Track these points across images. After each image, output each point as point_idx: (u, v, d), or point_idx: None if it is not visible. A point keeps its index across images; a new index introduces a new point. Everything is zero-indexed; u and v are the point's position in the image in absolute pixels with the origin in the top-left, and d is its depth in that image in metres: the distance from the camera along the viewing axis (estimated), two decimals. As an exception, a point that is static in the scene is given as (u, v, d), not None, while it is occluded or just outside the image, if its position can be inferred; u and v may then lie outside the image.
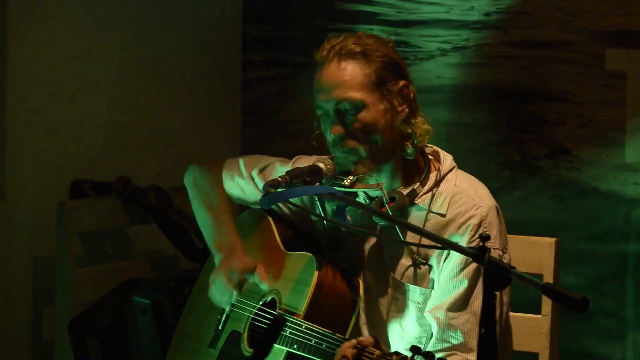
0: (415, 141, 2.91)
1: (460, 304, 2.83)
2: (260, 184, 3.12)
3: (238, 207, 3.36)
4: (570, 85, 4.21)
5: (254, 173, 3.15)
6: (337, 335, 2.75)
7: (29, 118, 4.09)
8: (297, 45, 4.70)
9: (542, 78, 4.26)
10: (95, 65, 4.27)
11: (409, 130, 2.91)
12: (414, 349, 2.43)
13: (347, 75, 2.87)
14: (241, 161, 3.20)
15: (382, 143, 2.87)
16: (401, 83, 2.91)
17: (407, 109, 2.91)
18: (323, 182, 2.85)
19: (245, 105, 4.84)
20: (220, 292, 3.06)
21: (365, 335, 2.90)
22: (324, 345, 2.72)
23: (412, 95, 2.93)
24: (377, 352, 2.53)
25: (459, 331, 2.82)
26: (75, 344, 3.90)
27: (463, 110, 4.41)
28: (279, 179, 2.75)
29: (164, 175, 4.50)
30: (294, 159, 3.15)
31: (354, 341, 2.61)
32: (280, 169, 3.11)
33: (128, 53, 4.39)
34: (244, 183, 3.17)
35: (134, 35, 4.40)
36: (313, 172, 2.83)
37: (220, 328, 3.09)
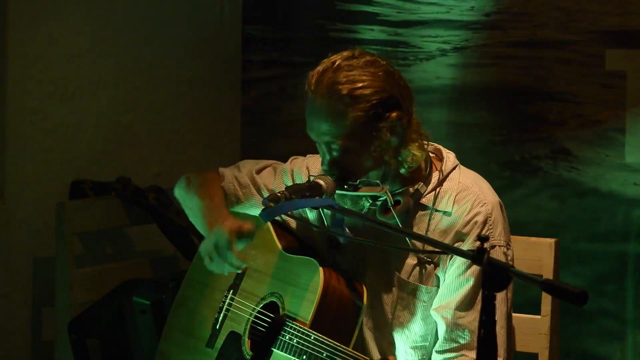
0: (407, 166, 2.87)
1: (468, 303, 2.84)
2: (260, 184, 3.12)
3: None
4: (570, 85, 4.21)
5: (253, 172, 3.15)
6: (353, 352, 2.74)
7: (29, 118, 4.09)
8: (297, 45, 4.71)
9: (542, 78, 4.26)
10: (95, 65, 4.27)
11: (399, 159, 2.86)
12: None
13: (335, 121, 2.79)
14: (239, 164, 3.20)
15: (372, 175, 2.86)
16: (393, 116, 2.82)
17: (397, 141, 2.84)
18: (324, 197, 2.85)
19: (245, 105, 4.84)
20: (215, 262, 2.96)
21: (369, 339, 2.91)
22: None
23: (404, 123, 2.84)
24: None
25: (466, 330, 2.83)
26: (75, 344, 3.90)
27: (463, 111, 4.41)
28: (279, 194, 2.74)
29: (164, 175, 4.50)
30: (289, 160, 3.15)
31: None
32: (279, 168, 3.11)
33: (128, 53, 4.39)
34: (240, 175, 3.15)
35: (134, 35, 4.41)
36: (312, 188, 2.82)
37: (217, 327, 3.09)
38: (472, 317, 2.82)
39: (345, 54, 2.85)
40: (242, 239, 2.92)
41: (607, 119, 4.16)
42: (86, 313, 3.92)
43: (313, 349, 2.77)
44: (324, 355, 2.74)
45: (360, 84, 2.79)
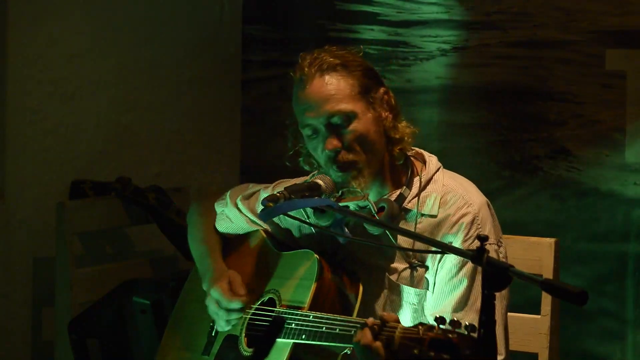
0: (403, 144, 2.91)
1: (463, 304, 2.84)
2: (244, 209, 3.14)
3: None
4: (570, 85, 4.21)
5: (238, 200, 3.17)
6: (352, 318, 2.74)
7: (29, 118, 4.09)
8: (297, 45, 4.70)
9: (542, 78, 4.26)
10: (95, 65, 4.27)
11: (397, 135, 2.90)
12: (439, 320, 2.41)
13: (334, 89, 2.86)
14: (228, 193, 3.23)
15: (376, 151, 2.87)
16: (382, 90, 2.92)
17: (390, 115, 2.92)
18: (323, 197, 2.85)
19: (245, 105, 4.84)
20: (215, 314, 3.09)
21: None
22: (337, 330, 2.71)
23: (393, 100, 2.94)
24: (400, 325, 2.51)
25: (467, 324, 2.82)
26: (75, 344, 3.90)
27: (463, 111, 4.41)
28: (278, 194, 2.76)
29: (164, 175, 4.50)
30: (274, 184, 3.16)
31: (371, 319, 2.58)
32: (263, 195, 3.12)
33: (128, 53, 4.39)
34: (230, 212, 3.19)
35: (134, 35, 4.41)
36: (311, 189, 2.82)
37: (213, 334, 3.09)
38: (469, 318, 2.81)
39: (321, 50, 2.97)
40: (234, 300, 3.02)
41: (607, 119, 4.16)
42: (86, 313, 3.92)
43: (312, 327, 2.76)
44: (324, 328, 2.74)
45: (346, 58, 2.92)
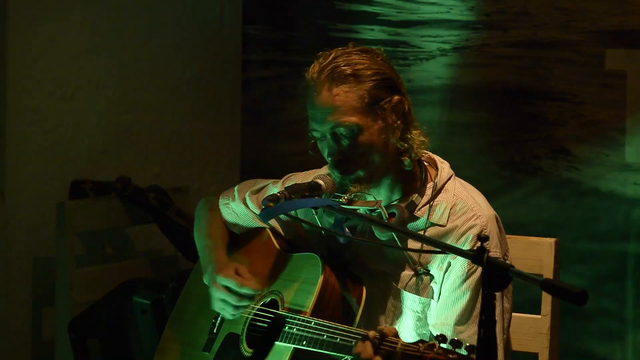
0: (412, 154, 2.88)
1: (466, 317, 2.82)
2: (252, 205, 3.13)
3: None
4: (570, 85, 4.21)
5: (247, 195, 3.16)
6: (354, 328, 2.73)
7: (29, 118, 4.09)
8: (297, 45, 4.71)
9: (542, 78, 4.26)
10: (95, 65, 4.27)
11: (406, 145, 2.87)
12: (440, 338, 2.40)
13: (340, 101, 2.82)
14: (236, 187, 3.22)
15: (379, 162, 2.85)
16: (395, 98, 2.86)
17: (402, 124, 2.87)
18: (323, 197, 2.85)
19: (245, 105, 4.84)
20: (218, 303, 3.05)
21: None
22: (338, 339, 2.71)
23: (406, 108, 2.88)
24: (401, 341, 2.51)
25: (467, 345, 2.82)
26: (75, 343, 3.90)
27: (463, 111, 4.41)
28: (278, 194, 2.75)
29: (164, 175, 4.50)
30: (283, 178, 3.15)
31: (372, 332, 2.58)
32: (272, 189, 3.11)
33: (128, 53, 4.39)
34: (236, 207, 3.18)
35: (134, 35, 4.41)
36: (312, 188, 2.81)
37: (215, 331, 3.09)
38: (471, 331, 2.81)
39: (340, 48, 2.91)
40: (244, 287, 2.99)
41: (607, 119, 4.16)
42: (86, 313, 3.92)
43: (313, 333, 2.76)
44: (325, 337, 2.73)
45: (360, 66, 2.84)
